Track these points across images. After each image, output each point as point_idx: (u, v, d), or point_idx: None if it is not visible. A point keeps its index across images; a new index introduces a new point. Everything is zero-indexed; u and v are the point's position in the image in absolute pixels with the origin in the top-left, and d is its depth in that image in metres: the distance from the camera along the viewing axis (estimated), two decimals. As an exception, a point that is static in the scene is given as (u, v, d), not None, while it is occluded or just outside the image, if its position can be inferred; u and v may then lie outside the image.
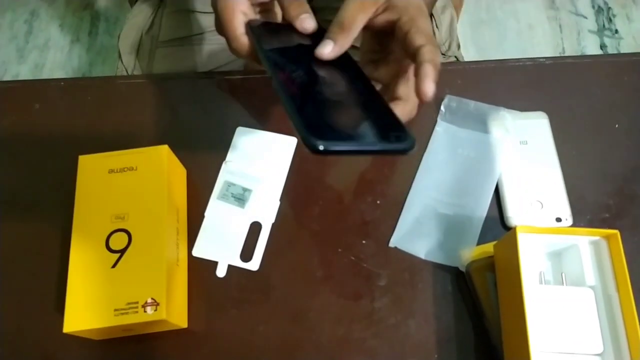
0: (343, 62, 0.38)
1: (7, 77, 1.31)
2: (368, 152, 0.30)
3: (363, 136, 0.30)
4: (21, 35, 1.38)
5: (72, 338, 0.44)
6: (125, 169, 0.49)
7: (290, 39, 0.39)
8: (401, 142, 0.30)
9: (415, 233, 0.51)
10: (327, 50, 0.36)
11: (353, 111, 0.33)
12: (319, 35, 0.39)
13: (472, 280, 0.47)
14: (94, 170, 0.49)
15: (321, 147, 0.28)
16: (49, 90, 0.61)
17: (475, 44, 1.29)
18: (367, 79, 0.37)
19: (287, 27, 0.40)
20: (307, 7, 0.39)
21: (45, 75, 1.32)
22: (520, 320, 0.40)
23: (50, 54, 1.35)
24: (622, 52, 1.33)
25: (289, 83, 0.33)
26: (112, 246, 0.45)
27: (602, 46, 1.37)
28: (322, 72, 0.36)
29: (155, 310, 0.43)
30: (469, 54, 0.74)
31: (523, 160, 0.53)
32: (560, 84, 0.58)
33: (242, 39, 0.38)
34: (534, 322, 0.40)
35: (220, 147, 0.56)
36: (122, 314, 0.43)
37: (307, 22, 0.38)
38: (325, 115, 0.31)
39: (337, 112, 0.32)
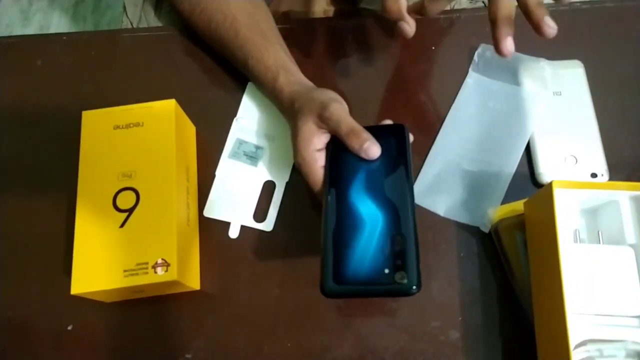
0: (395, 184, 0.40)
1: (13, 41, 1.28)
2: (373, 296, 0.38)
3: (372, 281, 0.35)
4: (25, -3, 1.35)
5: (82, 300, 0.42)
6: (131, 125, 0.46)
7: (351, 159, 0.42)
8: (402, 287, 0.34)
9: (435, 189, 0.48)
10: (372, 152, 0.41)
11: (374, 254, 0.36)
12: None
13: (500, 240, 0.45)
14: (98, 127, 0.46)
15: (329, 292, 0.35)
16: (51, 46, 0.58)
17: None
18: (411, 202, 0.39)
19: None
20: (366, 135, 0.41)
21: (50, 38, 1.29)
22: (555, 281, 0.37)
23: (54, 16, 1.32)
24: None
25: (335, 221, 0.39)
26: (120, 205, 0.43)
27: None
28: (368, 206, 0.39)
29: (166, 271, 0.41)
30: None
31: (556, 112, 0.49)
32: (598, 31, 0.54)
33: (320, 186, 0.42)
34: (570, 283, 0.37)
35: (231, 103, 0.53)
36: (132, 274, 0.41)
37: (371, 150, 0.41)
38: (347, 259, 0.36)
39: (359, 256, 0.36)
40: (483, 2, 0.63)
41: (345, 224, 0.38)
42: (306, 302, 0.45)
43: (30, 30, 1.30)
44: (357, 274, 0.36)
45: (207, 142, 0.52)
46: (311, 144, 0.43)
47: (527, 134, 0.49)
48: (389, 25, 0.56)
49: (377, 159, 0.41)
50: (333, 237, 0.38)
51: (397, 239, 0.37)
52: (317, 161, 0.42)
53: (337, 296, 0.36)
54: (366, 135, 0.41)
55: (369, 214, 0.39)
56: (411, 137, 0.43)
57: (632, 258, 0.39)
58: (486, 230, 0.46)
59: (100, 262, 0.42)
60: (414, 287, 0.34)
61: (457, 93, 0.52)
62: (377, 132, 0.42)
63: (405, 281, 0.34)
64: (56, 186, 0.50)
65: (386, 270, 0.35)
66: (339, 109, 0.43)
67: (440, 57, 0.54)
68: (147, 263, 0.41)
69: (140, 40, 0.57)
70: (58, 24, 1.30)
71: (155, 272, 0.41)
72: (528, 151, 0.49)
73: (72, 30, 1.29)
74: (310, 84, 0.48)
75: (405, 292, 0.34)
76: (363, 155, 0.41)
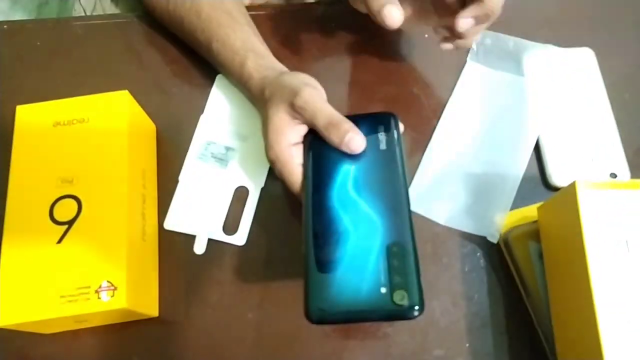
0: (387, 182, 0.34)
1: (-29, 45, 1.19)
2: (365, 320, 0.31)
3: (366, 303, 0.29)
4: (-16, -2, 1.26)
5: (16, 333, 0.35)
6: (75, 121, 0.39)
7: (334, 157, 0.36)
8: (403, 310, 0.28)
9: (434, 194, 0.42)
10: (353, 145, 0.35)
11: (365, 270, 0.30)
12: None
13: (511, 252, 0.38)
14: (35, 123, 0.39)
15: (315, 319, 0.29)
16: (-12, 36, 0.50)
17: None
18: (406, 203, 0.33)
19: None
20: (347, 125, 0.35)
21: (13, 42, 1.20)
22: (582, 299, 0.31)
23: (16, 18, 1.23)
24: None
25: (317, 235, 0.32)
26: (57, 217, 0.36)
27: None
28: (356, 210, 0.33)
29: (112, 296, 0.33)
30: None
31: (567, 105, 0.44)
32: (609, 16, 0.49)
33: (299, 187, 0.36)
34: (603, 301, 0.31)
35: (197, 98, 0.46)
36: (70, 301, 0.34)
37: (354, 143, 0.34)
38: (334, 278, 0.30)
39: (348, 272, 0.30)
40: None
41: (331, 234, 0.32)
42: (287, 328, 0.39)
43: (-12, 31, 1.21)
44: (348, 295, 0.29)
45: (169, 142, 0.45)
46: (284, 137, 0.36)
47: (536, 130, 0.43)
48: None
49: (364, 153, 0.35)
50: (317, 250, 0.31)
51: (394, 250, 0.30)
52: (293, 157, 0.36)
53: (325, 322, 0.30)
54: (347, 125, 0.35)
55: (358, 220, 0.32)
56: (402, 127, 0.36)
57: (670, 270, 0.33)
58: (494, 241, 0.40)
59: (31, 287, 0.34)
60: (417, 308, 0.28)
61: (454, 85, 0.46)
62: (362, 121, 0.36)
63: (405, 302, 0.28)
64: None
65: (383, 290, 0.29)
66: (313, 95, 0.36)
67: (434, 45, 0.48)
68: (89, 287, 0.34)
69: (93, 28, 0.50)
70: (18, 25, 1.22)
71: (99, 298, 0.33)
72: (537, 150, 0.43)
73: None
74: (282, 67, 0.42)
75: (406, 316, 0.28)
76: (344, 149, 0.34)
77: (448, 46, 0.43)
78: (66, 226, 0.35)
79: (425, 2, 0.41)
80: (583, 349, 0.32)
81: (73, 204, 0.36)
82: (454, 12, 0.39)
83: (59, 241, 0.35)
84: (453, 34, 0.41)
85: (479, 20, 0.39)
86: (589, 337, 0.31)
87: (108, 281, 0.34)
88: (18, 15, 1.24)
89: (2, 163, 0.38)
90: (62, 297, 0.34)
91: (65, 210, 0.36)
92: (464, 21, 0.38)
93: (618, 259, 0.34)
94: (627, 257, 0.35)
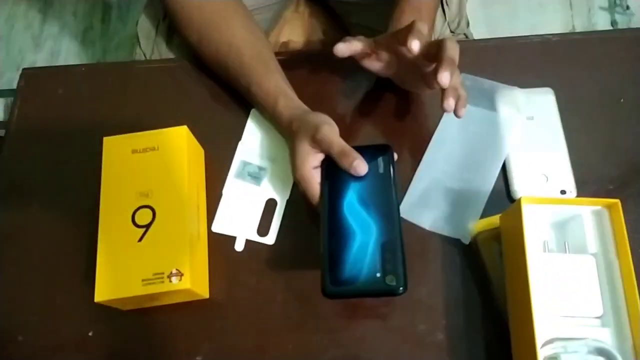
0: (383, 197, 0.46)
1: (24, 65, 1.34)
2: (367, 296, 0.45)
3: (366, 284, 0.41)
4: (36, 24, 1.41)
5: (101, 309, 0.47)
6: (148, 149, 0.51)
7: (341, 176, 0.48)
8: (392, 288, 0.40)
9: (422, 204, 0.53)
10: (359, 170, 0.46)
11: (366, 260, 0.42)
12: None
13: (479, 251, 0.49)
14: (118, 151, 0.51)
15: (329, 294, 0.41)
16: (71, 76, 0.63)
17: (485, 22, 1.29)
18: (397, 212, 0.45)
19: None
20: (354, 154, 0.46)
21: (61, 62, 1.35)
22: (525, 286, 0.42)
23: (65, 41, 1.38)
24: (633, 28, 1.32)
25: (331, 232, 0.44)
26: (138, 221, 0.48)
27: (613, 23, 1.35)
28: (359, 217, 0.45)
29: (180, 280, 0.46)
30: (479, 32, 0.75)
31: (529, 135, 0.55)
32: (568, 60, 0.59)
33: (317, 200, 0.48)
34: (538, 288, 0.42)
35: (236, 127, 0.58)
36: (150, 283, 0.46)
37: (359, 168, 0.46)
38: (343, 265, 0.42)
39: (353, 262, 0.42)
40: (465, 34, 0.69)
41: (341, 234, 0.44)
42: (306, 307, 0.50)
43: (42, 55, 1.36)
44: (352, 277, 0.41)
45: (214, 163, 0.57)
46: (307, 162, 0.48)
47: (503, 155, 0.54)
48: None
49: (366, 175, 0.47)
50: (331, 245, 0.43)
51: (386, 246, 0.42)
52: (314, 177, 0.48)
53: (335, 297, 0.42)
54: (355, 154, 0.46)
55: (361, 224, 0.44)
56: (395, 156, 0.48)
57: (593, 265, 0.44)
58: (466, 242, 0.51)
59: (120, 273, 0.46)
60: (402, 288, 0.40)
61: (441, 117, 0.57)
62: (365, 151, 0.48)
63: (394, 283, 0.40)
64: (78, 204, 0.55)
65: (378, 274, 0.41)
66: (330, 131, 0.48)
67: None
68: (163, 273, 0.46)
69: (153, 70, 0.63)
70: (68, 49, 1.37)
71: (171, 281, 0.46)
72: (504, 170, 0.54)
73: (82, 55, 1.35)
74: (306, 107, 0.54)
75: (394, 293, 0.40)
76: (352, 172, 0.46)
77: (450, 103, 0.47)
78: (144, 229, 0.48)
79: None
80: (525, 325, 0.42)
81: (149, 212, 0.48)
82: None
83: (140, 240, 0.47)
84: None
85: (449, 66, 0.45)
86: (528, 317, 0.41)
87: (177, 269, 0.46)
88: (66, 38, 1.39)
89: (95, 180, 0.50)
90: (143, 280, 0.46)
91: (144, 217, 0.48)
92: (444, 75, 0.44)
93: (555, 258, 0.45)
94: (564, 256, 0.45)
